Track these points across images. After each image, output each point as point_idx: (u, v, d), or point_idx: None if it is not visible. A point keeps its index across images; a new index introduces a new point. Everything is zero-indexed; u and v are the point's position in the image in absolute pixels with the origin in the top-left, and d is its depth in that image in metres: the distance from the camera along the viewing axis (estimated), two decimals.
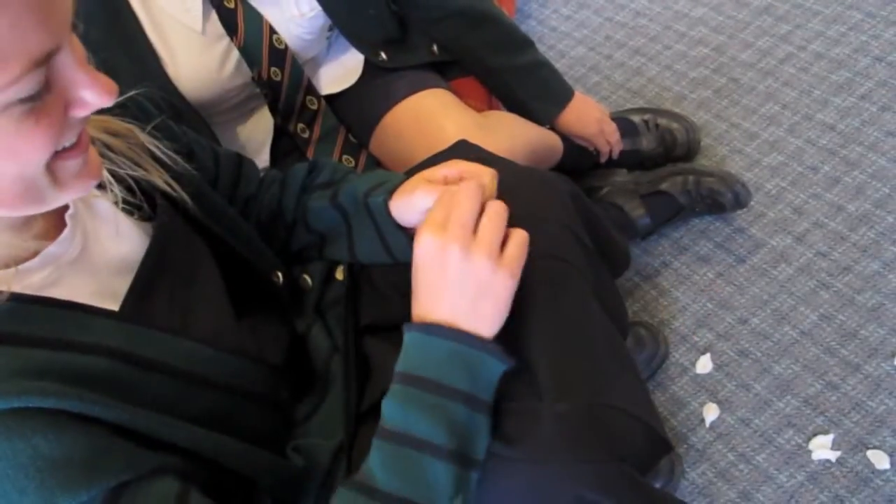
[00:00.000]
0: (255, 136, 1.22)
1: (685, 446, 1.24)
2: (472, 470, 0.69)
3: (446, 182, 0.79)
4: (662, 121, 1.53)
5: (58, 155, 0.56)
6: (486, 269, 0.69)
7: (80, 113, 0.56)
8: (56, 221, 0.68)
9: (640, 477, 0.82)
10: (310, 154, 1.23)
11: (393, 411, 0.70)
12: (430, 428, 0.68)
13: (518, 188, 0.84)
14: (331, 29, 1.22)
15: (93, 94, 0.55)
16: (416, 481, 0.67)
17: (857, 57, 1.59)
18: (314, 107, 1.22)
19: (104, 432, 0.61)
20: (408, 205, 0.82)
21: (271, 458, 0.76)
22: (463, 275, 0.69)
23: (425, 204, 0.79)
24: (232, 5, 1.08)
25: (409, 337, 0.72)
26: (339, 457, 0.84)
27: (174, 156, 0.79)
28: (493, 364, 0.70)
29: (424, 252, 0.71)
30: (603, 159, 1.45)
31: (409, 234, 0.86)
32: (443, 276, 0.70)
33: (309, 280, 0.98)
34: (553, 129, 1.38)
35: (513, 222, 0.73)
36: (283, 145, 1.25)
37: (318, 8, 1.14)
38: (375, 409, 0.86)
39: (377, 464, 0.69)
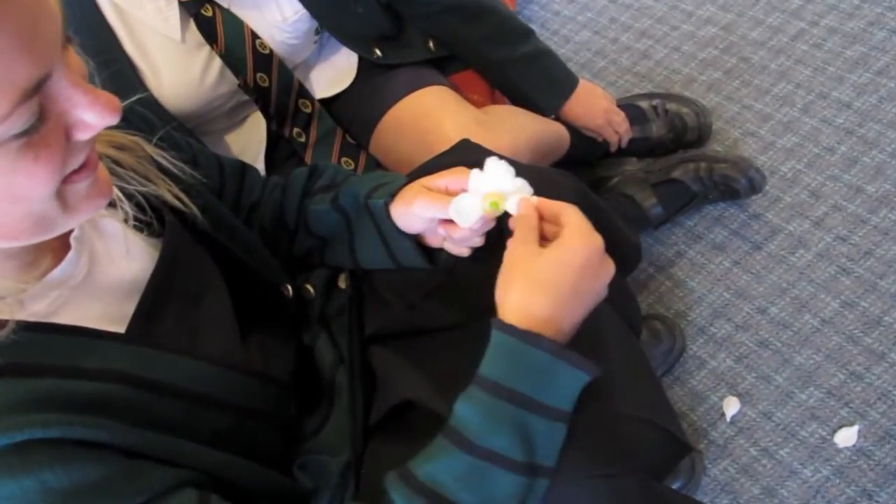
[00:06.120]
0: (250, 144, 1.19)
1: (706, 442, 1.21)
2: (541, 478, 0.66)
3: (448, 192, 0.77)
4: (672, 105, 1.49)
5: (66, 179, 0.53)
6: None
7: (82, 136, 0.52)
8: (60, 244, 0.65)
9: (659, 485, 0.79)
10: (308, 158, 1.20)
11: (473, 420, 0.66)
12: (512, 445, 0.65)
13: None
14: (318, 32, 1.18)
15: (94, 114, 0.51)
16: (486, 494, 0.65)
17: (872, 31, 1.54)
18: (308, 110, 1.19)
19: (115, 456, 0.59)
20: (407, 213, 0.80)
21: (279, 478, 0.74)
22: (598, 294, 0.70)
23: (425, 213, 0.78)
24: (210, 13, 1.05)
25: (504, 339, 0.67)
26: (348, 474, 0.82)
27: (182, 165, 0.76)
28: (583, 377, 0.68)
29: (589, 256, 0.69)
30: (612, 149, 1.41)
31: (411, 238, 0.84)
32: (589, 288, 0.69)
33: (311, 289, 0.96)
34: (559, 119, 1.35)
35: None
36: (281, 151, 1.22)
37: (303, 10, 1.11)
38: (383, 424, 0.84)
39: (448, 472, 0.65)
